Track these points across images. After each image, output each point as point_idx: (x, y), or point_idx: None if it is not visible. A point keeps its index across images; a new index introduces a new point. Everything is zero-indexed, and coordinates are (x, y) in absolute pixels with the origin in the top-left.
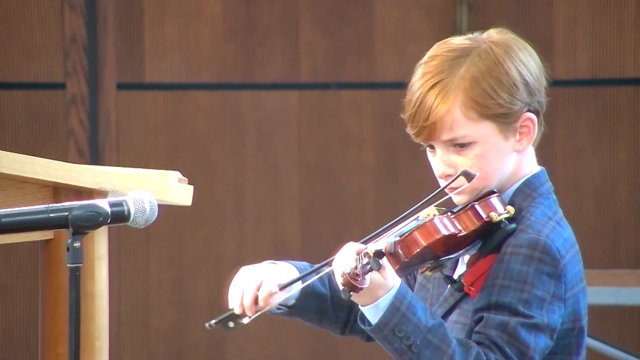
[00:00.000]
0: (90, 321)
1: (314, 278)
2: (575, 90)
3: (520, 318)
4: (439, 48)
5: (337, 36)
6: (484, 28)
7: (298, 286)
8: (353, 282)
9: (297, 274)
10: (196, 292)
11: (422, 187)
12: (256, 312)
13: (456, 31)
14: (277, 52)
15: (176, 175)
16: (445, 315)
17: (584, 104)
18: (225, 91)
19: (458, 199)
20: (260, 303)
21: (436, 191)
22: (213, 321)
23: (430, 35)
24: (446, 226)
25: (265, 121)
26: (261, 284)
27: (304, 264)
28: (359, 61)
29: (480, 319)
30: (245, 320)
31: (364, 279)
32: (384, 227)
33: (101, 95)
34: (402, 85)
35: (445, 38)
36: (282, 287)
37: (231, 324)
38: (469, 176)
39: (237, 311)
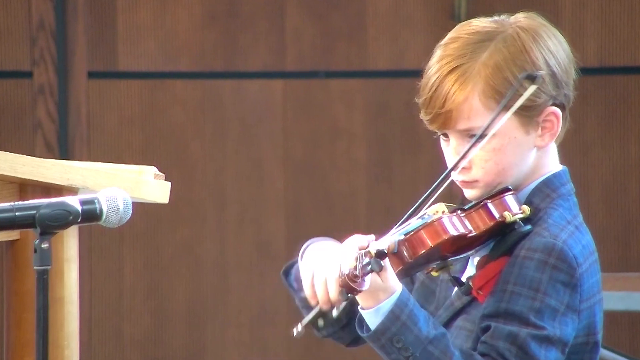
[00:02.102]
0: (59, 329)
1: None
2: (583, 80)
3: (530, 329)
4: (461, 29)
5: (326, 21)
6: (484, 13)
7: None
8: (351, 284)
9: None
10: (173, 298)
11: (418, 185)
12: (343, 301)
13: (454, 16)
14: (261, 39)
15: (152, 171)
16: (450, 320)
17: (592, 95)
18: (204, 80)
19: (470, 194)
20: (338, 295)
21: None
22: (300, 325)
23: (426, 20)
24: (455, 226)
25: (248, 113)
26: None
27: None
28: (349, 48)
29: (487, 328)
30: (335, 313)
31: (363, 280)
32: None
33: (71, 84)
34: (395, 74)
35: (442, 23)
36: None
37: (321, 322)
38: (531, 77)
39: (326, 308)
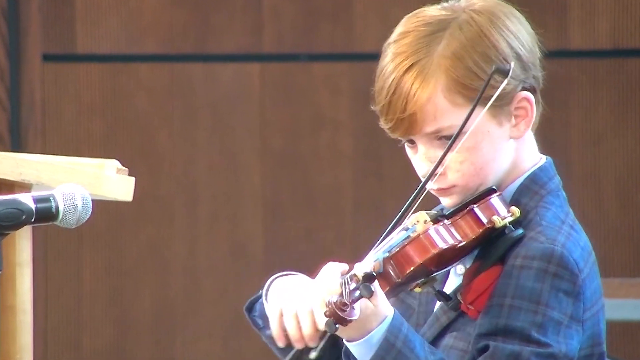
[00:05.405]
0: (11, 340)
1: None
2: (594, 63)
3: (534, 347)
4: (410, 22)
5: None
6: None
7: None
8: (341, 314)
9: None
10: (138, 305)
11: (410, 179)
12: (320, 338)
13: None
14: (235, 17)
15: (114, 164)
16: (437, 338)
17: (604, 80)
18: (173, 64)
19: (448, 202)
20: (323, 327)
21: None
22: None
23: None
24: (443, 238)
25: (221, 100)
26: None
27: None
28: (334, 28)
29: (485, 348)
30: (313, 355)
31: (353, 308)
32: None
33: (24, 68)
34: None
35: (437, 0)
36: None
37: None
38: (502, 71)
39: (299, 346)
